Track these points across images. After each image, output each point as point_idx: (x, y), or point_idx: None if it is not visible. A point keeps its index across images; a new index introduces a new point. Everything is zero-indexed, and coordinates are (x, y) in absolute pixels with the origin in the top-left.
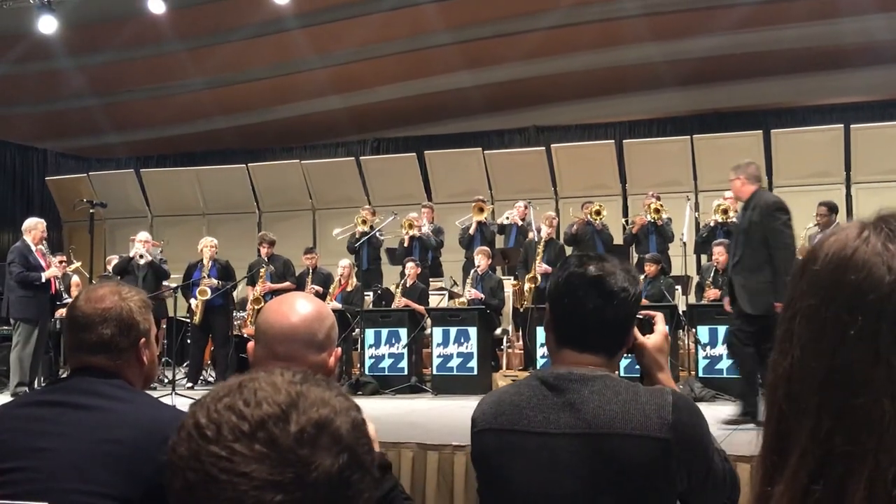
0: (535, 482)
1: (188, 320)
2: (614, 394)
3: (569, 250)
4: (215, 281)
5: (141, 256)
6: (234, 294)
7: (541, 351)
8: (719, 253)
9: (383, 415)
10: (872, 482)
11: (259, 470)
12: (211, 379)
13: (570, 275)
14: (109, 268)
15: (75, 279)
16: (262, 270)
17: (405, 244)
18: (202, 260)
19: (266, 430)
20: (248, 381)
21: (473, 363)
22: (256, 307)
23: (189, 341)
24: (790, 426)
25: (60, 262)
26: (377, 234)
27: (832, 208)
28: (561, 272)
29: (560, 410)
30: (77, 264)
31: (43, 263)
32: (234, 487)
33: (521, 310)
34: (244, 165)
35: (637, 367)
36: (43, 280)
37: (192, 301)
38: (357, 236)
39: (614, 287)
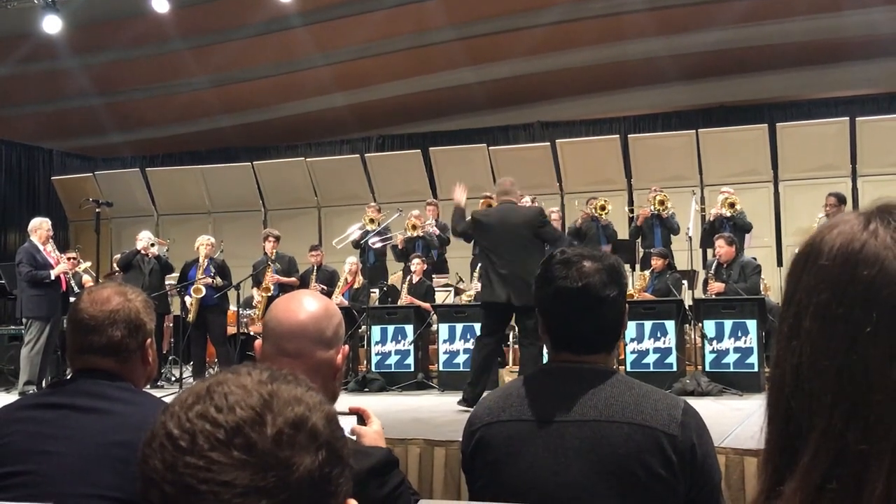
0: (544, 468)
1: (185, 318)
2: (628, 388)
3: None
4: (219, 280)
5: (153, 245)
6: (240, 292)
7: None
8: (720, 246)
9: (390, 411)
10: (891, 481)
11: (240, 477)
12: None
13: (556, 290)
14: (115, 265)
15: (86, 277)
16: (268, 269)
17: (400, 247)
18: (198, 258)
19: (243, 435)
20: (216, 384)
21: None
22: (266, 295)
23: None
24: (800, 424)
25: (69, 258)
26: (384, 231)
27: (841, 199)
28: (547, 285)
29: (572, 399)
30: (87, 265)
31: (52, 262)
32: (217, 497)
33: None
34: (249, 163)
35: (643, 361)
36: (52, 277)
37: (188, 299)
38: (361, 234)
39: (601, 294)
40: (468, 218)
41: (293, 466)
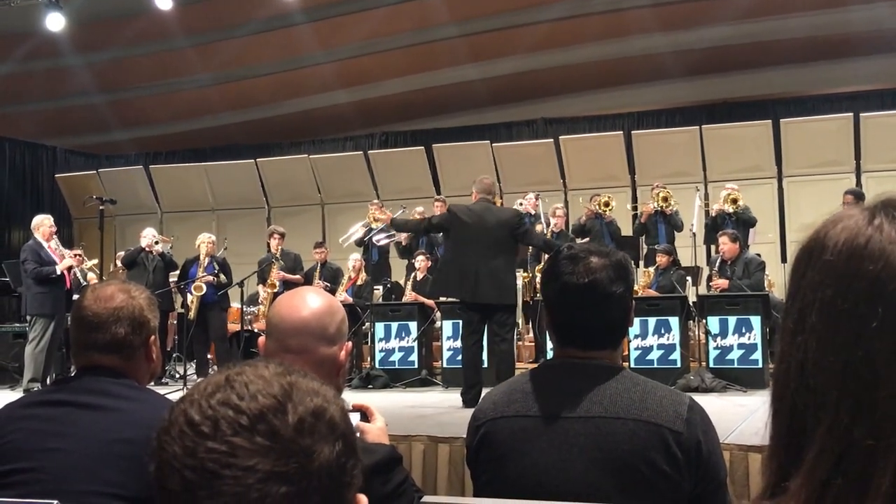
0: (548, 464)
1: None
2: (633, 384)
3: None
4: (223, 277)
5: (157, 243)
6: (244, 290)
7: (550, 343)
8: (724, 242)
9: (394, 408)
10: None
11: (263, 463)
12: None
13: (563, 285)
14: (119, 262)
15: (91, 275)
16: (273, 266)
17: (403, 244)
18: (199, 256)
19: (266, 421)
20: (235, 374)
21: (484, 356)
22: (272, 291)
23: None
24: (806, 420)
25: (75, 255)
26: (388, 228)
27: (858, 196)
28: (554, 280)
29: (577, 395)
30: (92, 262)
31: (56, 258)
32: (238, 482)
33: (531, 302)
34: (252, 161)
35: (647, 358)
36: (57, 272)
37: (189, 296)
38: (365, 232)
39: (607, 289)
40: (434, 215)
41: (314, 454)
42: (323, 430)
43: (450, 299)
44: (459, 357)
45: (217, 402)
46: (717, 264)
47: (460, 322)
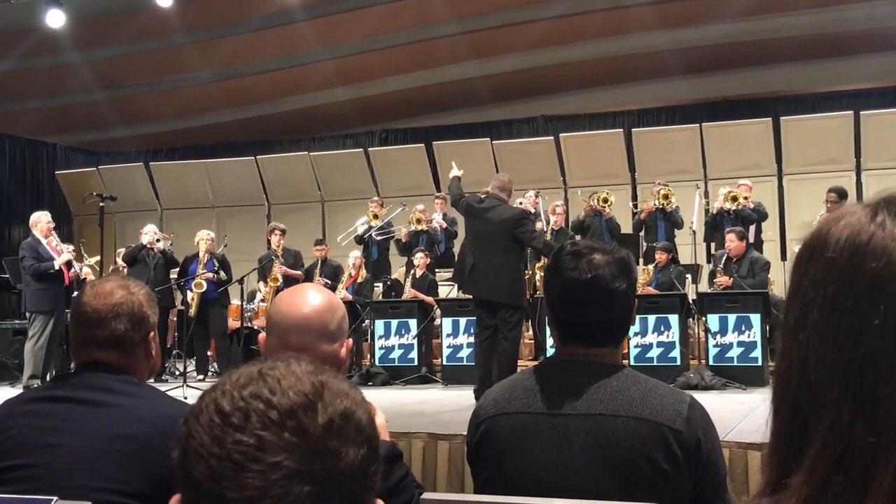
0: (548, 461)
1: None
2: (634, 382)
3: (577, 239)
4: (223, 274)
5: (158, 240)
6: (244, 287)
7: (550, 341)
8: (730, 240)
9: (394, 405)
10: None
11: (289, 459)
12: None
13: (565, 281)
14: (119, 259)
15: (86, 270)
16: (275, 263)
17: (403, 241)
18: (198, 253)
19: (296, 419)
20: (268, 369)
21: None
22: (275, 286)
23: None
24: (807, 417)
25: (72, 251)
26: (387, 226)
27: (842, 194)
28: (556, 276)
29: (577, 392)
30: (94, 259)
31: (55, 254)
32: (262, 476)
33: (531, 299)
34: (253, 158)
35: (647, 355)
36: (56, 267)
37: (189, 293)
38: (365, 230)
39: (610, 286)
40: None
41: (340, 456)
42: (350, 432)
43: (450, 297)
44: (459, 354)
45: (249, 395)
46: (723, 261)
47: (460, 319)
